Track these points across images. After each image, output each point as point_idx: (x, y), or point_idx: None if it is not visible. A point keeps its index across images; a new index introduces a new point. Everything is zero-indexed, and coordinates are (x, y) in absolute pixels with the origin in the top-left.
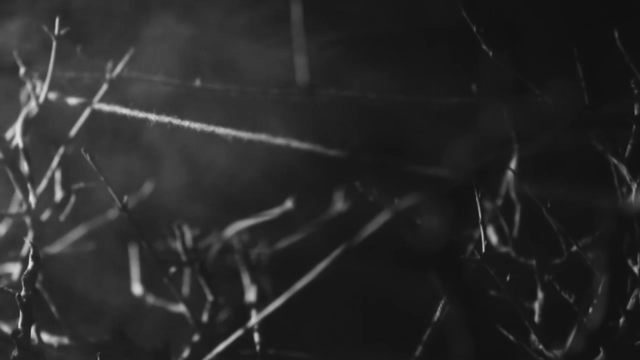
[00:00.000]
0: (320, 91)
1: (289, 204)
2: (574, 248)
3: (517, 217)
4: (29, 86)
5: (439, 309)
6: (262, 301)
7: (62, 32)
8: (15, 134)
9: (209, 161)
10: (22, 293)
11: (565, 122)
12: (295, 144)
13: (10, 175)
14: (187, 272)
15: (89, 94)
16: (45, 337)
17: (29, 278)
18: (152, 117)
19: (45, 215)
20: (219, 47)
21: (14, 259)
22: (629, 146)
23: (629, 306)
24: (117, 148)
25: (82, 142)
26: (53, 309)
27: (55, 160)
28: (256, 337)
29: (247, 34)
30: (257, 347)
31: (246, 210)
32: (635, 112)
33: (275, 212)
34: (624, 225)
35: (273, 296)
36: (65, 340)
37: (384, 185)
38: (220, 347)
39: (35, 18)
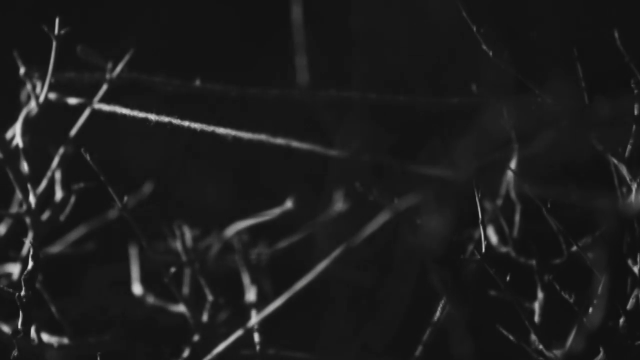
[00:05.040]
0: (320, 91)
1: (289, 204)
2: (574, 248)
3: (517, 217)
4: (29, 86)
5: (439, 309)
6: (262, 301)
7: (62, 32)
8: (15, 134)
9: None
10: (22, 293)
11: (565, 122)
12: (295, 144)
13: (10, 175)
14: (187, 272)
15: (89, 93)
16: (45, 337)
17: (29, 278)
18: (152, 117)
19: (45, 215)
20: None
21: (14, 259)
22: (629, 146)
23: (629, 306)
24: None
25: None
26: (53, 309)
27: (55, 160)
28: (256, 337)
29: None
30: (257, 347)
31: (246, 210)
32: (635, 112)
33: (275, 212)
34: (624, 226)
35: (273, 296)
36: (65, 340)
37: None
38: (220, 347)
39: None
